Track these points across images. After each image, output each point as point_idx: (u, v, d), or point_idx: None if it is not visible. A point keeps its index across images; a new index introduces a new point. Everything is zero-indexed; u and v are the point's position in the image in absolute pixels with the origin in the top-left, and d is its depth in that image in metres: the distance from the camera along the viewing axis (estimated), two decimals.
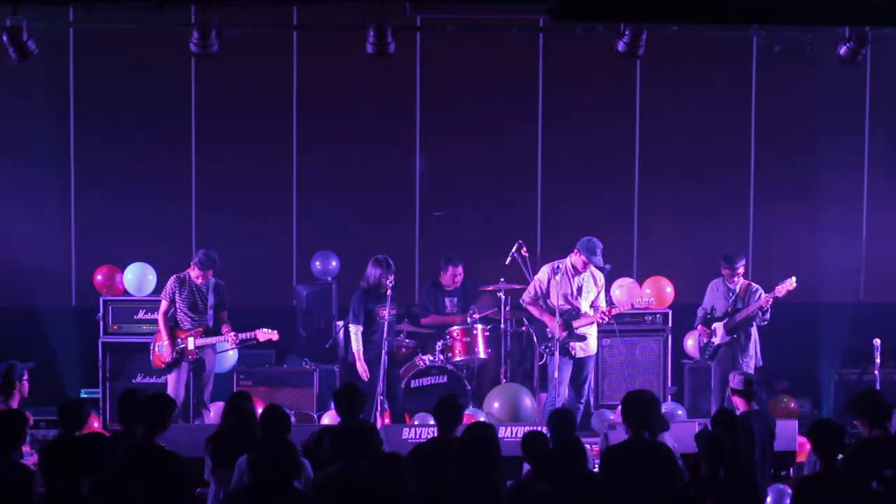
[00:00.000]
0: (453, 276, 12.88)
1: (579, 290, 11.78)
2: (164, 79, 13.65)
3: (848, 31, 11.34)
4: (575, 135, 14.10)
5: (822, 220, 14.06)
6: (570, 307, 11.75)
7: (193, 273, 11.79)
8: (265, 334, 11.70)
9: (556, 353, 11.58)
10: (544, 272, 11.86)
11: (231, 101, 13.74)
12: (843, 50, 11.48)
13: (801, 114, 14.15)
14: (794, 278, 11.86)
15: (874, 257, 14.29)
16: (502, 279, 12.59)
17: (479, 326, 12.42)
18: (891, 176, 14.20)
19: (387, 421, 11.58)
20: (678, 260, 13.65)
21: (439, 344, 12.45)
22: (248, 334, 11.70)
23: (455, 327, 12.44)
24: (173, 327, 11.77)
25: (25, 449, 9.07)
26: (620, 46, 11.27)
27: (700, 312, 12.33)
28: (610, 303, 12.14)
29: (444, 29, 12.56)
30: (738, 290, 12.12)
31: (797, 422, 11.25)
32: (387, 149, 14.01)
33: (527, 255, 12.29)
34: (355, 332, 11.83)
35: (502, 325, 12.63)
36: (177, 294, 11.78)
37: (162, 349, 11.77)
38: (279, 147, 13.95)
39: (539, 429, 9.63)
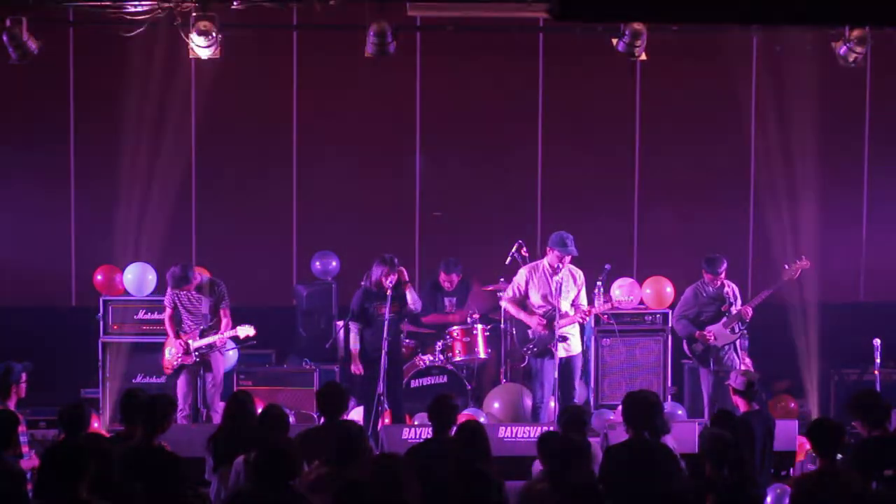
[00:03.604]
0: (446, 281, 12.92)
1: (558, 289, 11.66)
2: (164, 79, 13.64)
3: (848, 31, 11.34)
4: (575, 134, 14.11)
5: (821, 220, 14.06)
6: (549, 307, 11.71)
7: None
8: (243, 330, 11.69)
9: (556, 353, 11.54)
10: (522, 273, 11.79)
11: (231, 100, 13.74)
12: (842, 50, 11.49)
13: (800, 113, 14.14)
14: (802, 258, 11.85)
15: (874, 257, 14.30)
16: (502, 279, 12.59)
17: (479, 326, 12.42)
18: (891, 176, 14.21)
19: (387, 421, 11.59)
20: (678, 260, 13.63)
21: (439, 344, 12.45)
22: (231, 332, 11.75)
23: (455, 327, 12.44)
24: (178, 331, 11.79)
25: (25, 450, 9.07)
26: (620, 46, 11.28)
27: (683, 323, 12.09)
28: (609, 301, 12.10)
29: (444, 29, 12.58)
30: (729, 292, 12.05)
31: (797, 422, 11.27)
32: (387, 148, 14.02)
33: (527, 255, 12.28)
34: (353, 330, 11.88)
35: (502, 325, 12.63)
36: (177, 299, 11.80)
37: (171, 354, 11.79)
38: (279, 147, 13.96)
39: (552, 429, 9.64)
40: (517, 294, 11.78)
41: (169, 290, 11.81)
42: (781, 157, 14.23)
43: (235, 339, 11.84)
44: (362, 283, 11.94)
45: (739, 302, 12.01)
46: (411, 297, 11.87)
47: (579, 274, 11.80)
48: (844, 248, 14.11)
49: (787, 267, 11.88)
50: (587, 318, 11.77)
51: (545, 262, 11.72)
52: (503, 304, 11.98)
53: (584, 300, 11.81)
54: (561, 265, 11.62)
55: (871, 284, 14.34)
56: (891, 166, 14.21)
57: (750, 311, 11.91)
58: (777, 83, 14.09)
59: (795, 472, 10.74)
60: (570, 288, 11.73)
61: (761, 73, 14.14)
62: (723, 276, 12.02)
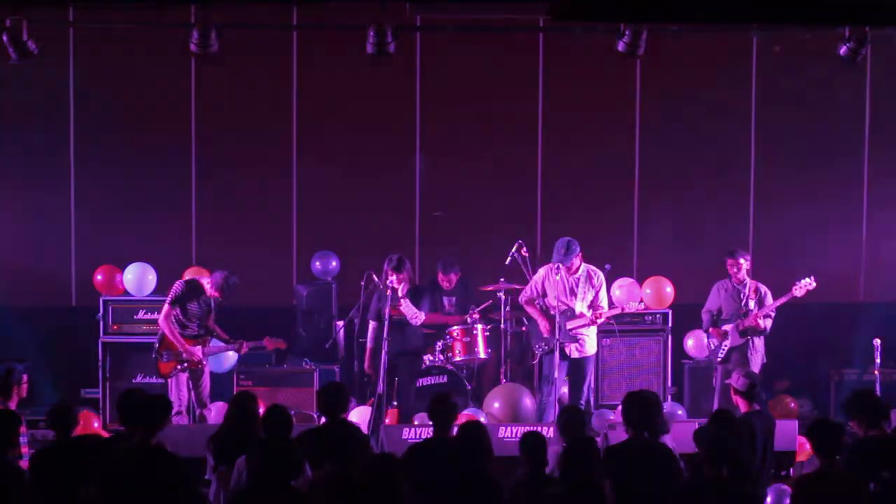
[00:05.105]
0: (444, 281, 12.92)
1: (573, 290, 11.73)
2: (164, 79, 13.66)
3: (848, 31, 11.34)
4: (575, 134, 14.11)
5: (822, 220, 14.07)
6: (565, 307, 11.72)
7: (209, 287, 11.74)
8: (273, 342, 11.89)
9: (556, 353, 11.56)
10: (541, 273, 11.85)
11: (231, 100, 13.75)
12: (843, 50, 11.48)
13: (800, 114, 14.15)
14: (811, 278, 11.87)
15: (874, 257, 14.30)
16: (502, 279, 12.59)
17: (479, 326, 12.41)
18: (891, 176, 14.21)
19: (388, 421, 11.59)
20: (678, 260, 13.65)
21: (439, 344, 12.44)
22: (258, 343, 11.85)
23: (455, 327, 12.44)
24: (183, 335, 11.74)
25: (25, 450, 9.07)
26: (620, 46, 11.27)
27: (706, 316, 12.28)
28: (610, 304, 12.10)
29: (444, 29, 12.59)
30: (748, 292, 12.07)
31: (797, 422, 11.27)
32: (387, 148, 14.02)
33: (527, 255, 12.29)
34: (370, 328, 12.18)
35: (502, 325, 12.63)
36: (187, 301, 11.70)
37: (171, 357, 11.72)
38: (279, 146, 13.96)
39: (538, 429, 9.64)
40: (534, 293, 11.82)
41: (180, 289, 11.72)
42: (781, 157, 14.24)
43: (261, 348, 11.96)
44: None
45: (768, 301, 12.00)
46: (408, 311, 11.92)
47: (598, 276, 11.81)
48: (844, 249, 14.11)
49: (797, 284, 11.90)
50: (596, 321, 11.76)
51: None
52: (522, 303, 12.00)
53: (603, 302, 11.81)
54: (576, 269, 11.65)
55: (871, 284, 14.33)
56: (891, 166, 14.20)
57: (761, 323, 11.95)
58: (777, 83, 14.10)
59: (795, 472, 10.75)
60: (587, 290, 11.75)
61: (761, 73, 14.14)
62: (742, 268, 12.09)
